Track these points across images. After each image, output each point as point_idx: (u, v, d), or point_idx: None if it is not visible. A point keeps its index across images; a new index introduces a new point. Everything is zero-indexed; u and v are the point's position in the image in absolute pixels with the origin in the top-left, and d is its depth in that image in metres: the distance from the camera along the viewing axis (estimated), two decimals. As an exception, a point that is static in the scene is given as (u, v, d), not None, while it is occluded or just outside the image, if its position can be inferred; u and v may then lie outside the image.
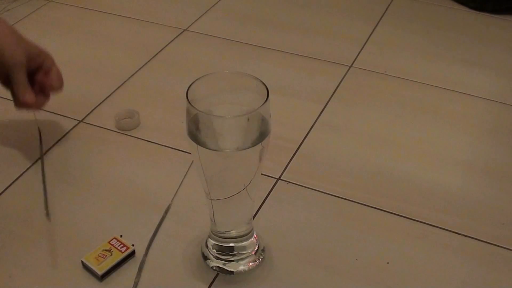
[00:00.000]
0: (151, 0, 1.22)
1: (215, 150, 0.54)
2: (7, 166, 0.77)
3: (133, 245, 0.65)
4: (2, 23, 0.72)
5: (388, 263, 0.66)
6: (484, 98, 0.93)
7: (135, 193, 0.74)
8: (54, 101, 0.91)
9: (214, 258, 0.64)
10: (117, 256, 0.64)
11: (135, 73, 0.98)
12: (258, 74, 0.55)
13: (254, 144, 0.54)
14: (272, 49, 1.05)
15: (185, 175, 0.76)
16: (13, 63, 0.71)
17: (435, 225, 0.71)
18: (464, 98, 0.94)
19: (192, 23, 1.13)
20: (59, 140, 0.83)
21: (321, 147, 0.83)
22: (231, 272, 0.64)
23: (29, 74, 0.74)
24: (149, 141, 0.83)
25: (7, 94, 0.74)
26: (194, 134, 0.54)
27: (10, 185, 0.75)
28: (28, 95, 0.72)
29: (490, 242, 0.69)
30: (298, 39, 1.08)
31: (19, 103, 0.73)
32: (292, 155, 0.81)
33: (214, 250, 0.64)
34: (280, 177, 0.77)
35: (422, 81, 0.97)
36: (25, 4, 1.18)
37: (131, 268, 0.64)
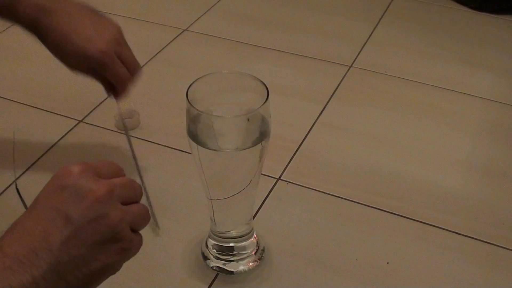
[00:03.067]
0: (151, 0, 1.22)
1: (215, 150, 0.54)
2: None
3: None
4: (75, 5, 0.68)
5: (388, 263, 0.66)
6: (484, 98, 0.93)
7: (135, 193, 0.74)
8: (54, 101, 0.91)
9: (214, 258, 0.64)
10: None
11: (135, 73, 0.98)
12: (258, 74, 0.55)
13: (254, 144, 0.54)
14: (272, 49, 1.05)
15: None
16: (100, 59, 0.67)
17: (435, 225, 0.71)
18: (464, 98, 0.94)
19: (192, 23, 1.13)
20: (59, 140, 0.83)
21: (321, 147, 0.83)
22: (231, 272, 0.64)
23: None
24: (149, 141, 0.83)
25: None
26: (194, 134, 0.54)
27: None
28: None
29: (490, 242, 0.69)
30: (298, 39, 1.08)
31: (122, 91, 0.71)
32: (292, 155, 0.81)
33: (214, 250, 0.64)
34: (280, 177, 0.77)
35: (422, 81, 0.97)
36: (25, 4, 1.18)
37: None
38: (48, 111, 0.88)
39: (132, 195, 0.46)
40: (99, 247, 0.43)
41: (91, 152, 0.81)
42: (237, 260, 0.64)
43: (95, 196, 0.43)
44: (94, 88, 0.95)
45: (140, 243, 0.47)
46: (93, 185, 0.43)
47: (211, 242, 0.64)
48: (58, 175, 0.44)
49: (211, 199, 0.60)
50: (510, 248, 0.68)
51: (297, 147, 0.82)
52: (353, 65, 1.01)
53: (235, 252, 0.64)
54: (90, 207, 0.42)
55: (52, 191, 0.43)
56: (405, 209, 0.73)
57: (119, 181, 0.45)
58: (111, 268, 0.44)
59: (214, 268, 0.64)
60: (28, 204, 0.64)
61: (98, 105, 0.90)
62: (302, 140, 0.84)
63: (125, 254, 0.45)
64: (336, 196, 0.74)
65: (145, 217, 0.47)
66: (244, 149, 0.55)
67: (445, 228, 0.70)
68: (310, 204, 0.73)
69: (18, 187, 0.74)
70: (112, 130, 0.85)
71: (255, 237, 0.65)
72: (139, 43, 1.07)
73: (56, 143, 0.82)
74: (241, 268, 0.64)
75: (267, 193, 0.74)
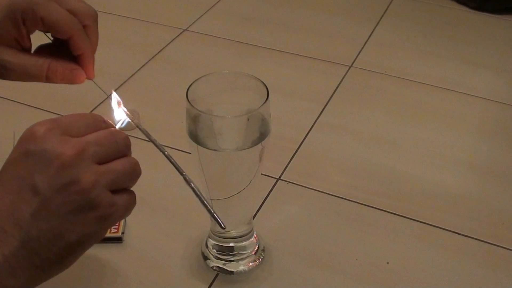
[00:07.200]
0: (151, 0, 1.22)
1: (215, 150, 0.54)
2: None
3: (122, 233, 0.67)
4: None
5: (388, 263, 0.66)
6: (484, 98, 0.93)
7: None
8: (54, 101, 0.91)
9: (214, 258, 0.64)
10: None
11: (135, 73, 0.98)
12: (258, 74, 0.55)
13: (254, 144, 0.54)
14: (272, 49, 1.05)
15: None
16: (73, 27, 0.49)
17: (435, 225, 0.71)
18: (464, 98, 0.94)
19: (192, 23, 1.13)
20: (59, 140, 0.83)
21: (321, 147, 0.83)
22: (231, 272, 0.64)
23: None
24: (149, 141, 0.83)
25: None
26: (194, 134, 0.54)
27: None
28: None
29: (490, 242, 0.69)
30: (298, 39, 1.08)
31: (89, 74, 0.56)
32: (292, 155, 0.81)
33: (214, 250, 0.64)
34: (280, 177, 0.77)
35: (422, 81, 0.97)
36: (25, 4, 1.18)
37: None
38: (48, 111, 0.88)
39: (114, 150, 0.41)
40: (72, 217, 0.39)
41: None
42: (237, 260, 0.64)
43: (62, 160, 0.38)
44: (94, 88, 0.95)
45: (128, 204, 0.42)
46: (59, 147, 0.38)
47: (211, 242, 0.64)
48: (23, 138, 0.40)
49: (211, 199, 0.59)
50: (510, 248, 0.68)
51: (297, 147, 0.82)
52: (353, 65, 1.01)
53: (235, 252, 0.64)
54: (57, 174, 0.38)
55: (17, 158, 0.39)
56: (405, 209, 0.73)
57: (94, 137, 0.40)
58: (91, 238, 0.41)
59: (214, 268, 0.64)
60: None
61: (98, 105, 0.90)
62: (302, 140, 0.84)
63: (105, 221, 0.40)
64: (336, 196, 0.74)
65: (132, 172, 0.42)
66: (244, 149, 0.55)
67: (445, 228, 0.70)
68: (310, 204, 0.73)
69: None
70: (112, 130, 0.85)
71: (255, 237, 0.65)
72: (139, 43, 1.07)
73: (56, 143, 0.82)
74: (241, 268, 0.64)
75: (267, 193, 0.74)
